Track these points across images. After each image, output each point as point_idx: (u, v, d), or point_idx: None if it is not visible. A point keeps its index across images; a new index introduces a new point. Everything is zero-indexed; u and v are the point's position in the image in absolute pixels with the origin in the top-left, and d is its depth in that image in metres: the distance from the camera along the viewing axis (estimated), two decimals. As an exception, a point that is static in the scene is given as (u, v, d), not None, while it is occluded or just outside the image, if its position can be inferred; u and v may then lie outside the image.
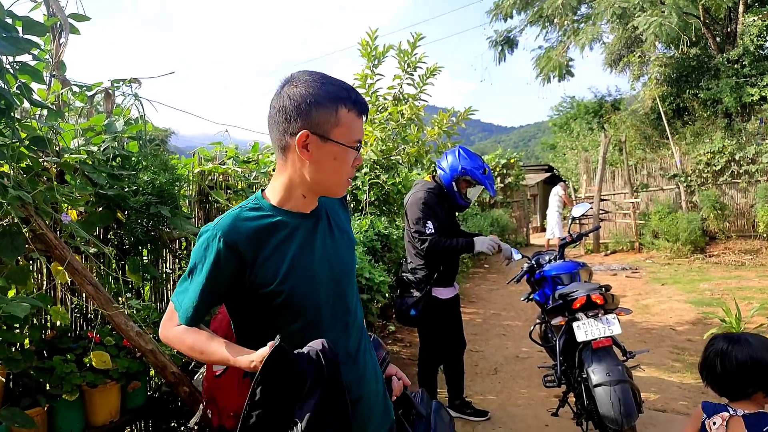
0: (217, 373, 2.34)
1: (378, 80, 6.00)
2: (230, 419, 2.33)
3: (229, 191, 3.97)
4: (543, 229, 19.84)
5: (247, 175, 4.12)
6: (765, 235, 12.02)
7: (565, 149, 24.78)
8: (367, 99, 6.07)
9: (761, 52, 16.97)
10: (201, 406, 3.05)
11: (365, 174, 5.01)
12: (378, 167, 5.24)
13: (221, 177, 3.92)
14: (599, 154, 13.80)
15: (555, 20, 19.73)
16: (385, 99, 5.99)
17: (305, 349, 1.22)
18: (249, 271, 1.31)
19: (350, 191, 5.23)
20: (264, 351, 1.19)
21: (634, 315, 7.14)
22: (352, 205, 5.45)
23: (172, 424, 3.20)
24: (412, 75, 5.97)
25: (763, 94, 15.72)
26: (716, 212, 12.64)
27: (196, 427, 3.10)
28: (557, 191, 13.88)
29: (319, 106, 1.30)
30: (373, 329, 4.70)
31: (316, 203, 1.45)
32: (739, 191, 12.94)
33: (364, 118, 1.40)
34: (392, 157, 5.56)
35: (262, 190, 1.48)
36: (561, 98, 31.11)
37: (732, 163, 12.97)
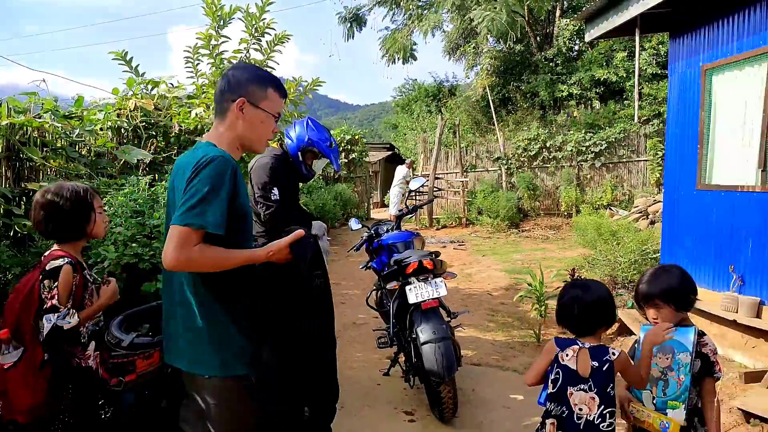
0: (5, 367, 2.14)
1: (223, 42, 5.69)
2: (21, 414, 2.18)
3: (46, 149, 3.52)
4: (383, 205, 20.75)
5: (68, 132, 3.69)
6: (566, 214, 14.03)
7: (406, 129, 25.99)
8: (210, 62, 5.75)
9: (571, 53, 19.49)
10: None
11: (206, 139, 4.77)
12: (220, 133, 5.03)
13: (36, 132, 3.45)
14: (436, 135, 14.76)
15: (401, 3, 20.44)
16: (230, 62, 5.72)
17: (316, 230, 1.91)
18: (236, 193, 1.76)
19: (189, 157, 4.95)
20: (287, 239, 1.83)
21: (458, 282, 7.90)
22: (190, 172, 5.16)
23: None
24: (260, 40, 5.76)
25: (571, 91, 18.12)
26: (530, 192, 14.41)
27: None
28: (402, 170, 14.55)
29: (254, 84, 1.85)
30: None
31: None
32: (548, 174, 14.86)
33: (286, 101, 1.93)
34: (236, 124, 5.37)
35: (211, 143, 1.83)
36: (404, 80, 32.48)
37: (544, 150, 14.83)
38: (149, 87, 5.16)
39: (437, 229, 14.83)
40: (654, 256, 6.05)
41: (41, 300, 2.12)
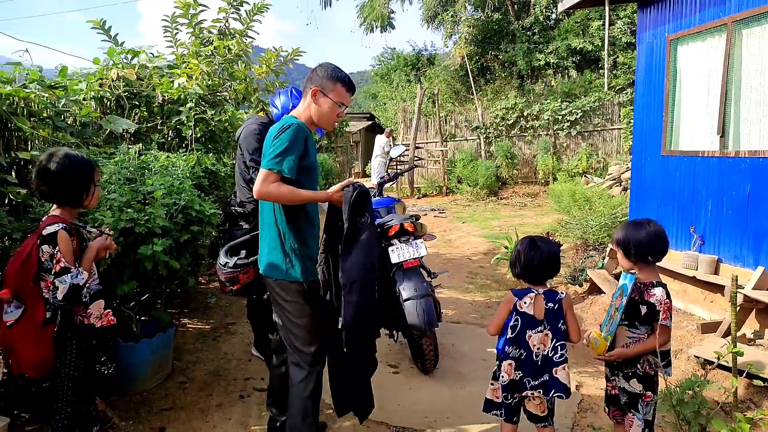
0: (8, 324, 2.29)
1: (202, 11, 5.71)
2: (30, 369, 2.34)
3: (33, 118, 3.57)
4: (365, 175, 20.83)
5: (54, 102, 3.74)
6: (543, 181, 14.36)
7: (386, 99, 25.93)
8: (189, 31, 5.76)
9: (548, 22, 19.56)
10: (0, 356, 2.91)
11: (190, 109, 4.83)
12: (204, 103, 5.09)
13: (23, 102, 3.50)
14: (415, 105, 14.84)
15: (379, -31, 20.17)
16: (210, 32, 5.74)
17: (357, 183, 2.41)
18: (305, 152, 2.39)
19: (174, 126, 5.01)
20: (338, 186, 2.38)
21: (439, 248, 8.16)
22: (175, 142, 5.23)
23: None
24: (239, 10, 5.79)
25: (548, 60, 18.26)
26: (508, 161, 14.66)
27: (2, 379, 2.95)
28: (382, 139, 14.63)
29: (327, 79, 2.45)
30: (203, 260, 4.72)
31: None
32: (525, 143, 15.12)
33: (351, 95, 2.54)
34: (219, 94, 5.42)
35: (292, 117, 2.47)
36: (383, 49, 32.17)
37: (521, 119, 15.04)
38: (129, 57, 5.17)
39: (418, 198, 15.05)
40: (623, 219, 6.36)
41: (40, 263, 2.26)
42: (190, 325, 4.65)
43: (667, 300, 2.25)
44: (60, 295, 2.22)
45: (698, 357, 3.72)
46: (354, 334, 2.35)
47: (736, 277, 2.46)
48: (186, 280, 3.63)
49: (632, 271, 2.41)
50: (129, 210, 2.97)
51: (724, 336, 3.86)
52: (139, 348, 3.28)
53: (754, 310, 3.91)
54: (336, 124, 2.62)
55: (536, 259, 2.32)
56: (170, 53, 5.84)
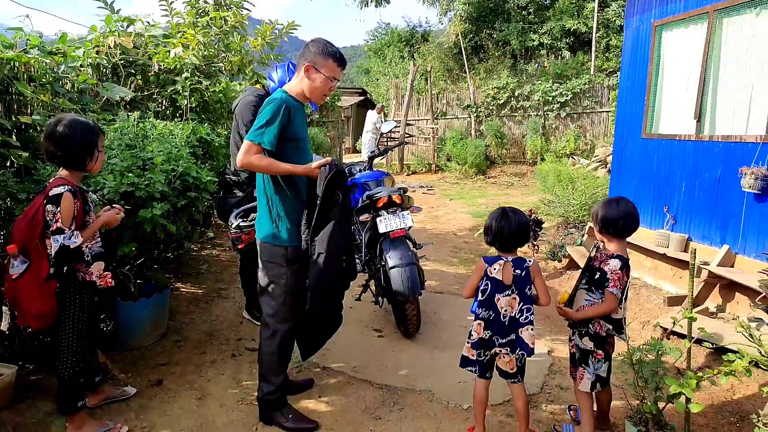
0: (14, 277, 2.44)
1: (197, -20, 5.76)
2: (33, 320, 2.49)
3: (33, 84, 3.67)
4: (355, 150, 20.90)
5: (53, 69, 3.83)
6: (531, 162, 14.55)
7: (379, 75, 25.85)
8: (186, 1, 5.81)
9: (543, 2, 19.51)
10: (6, 309, 3.06)
11: (186, 79, 4.92)
12: (199, 73, 5.18)
13: (23, 68, 3.59)
14: (408, 81, 14.88)
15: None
16: (206, 2, 5.79)
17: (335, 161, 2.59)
18: (288, 124, 2.54)
19: (169, 96, 5.11)
20: (317, 162, 2.54)
21: (426, 223, 8.36)
22: (170, 111, 5.34)
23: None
24: (235, -20, 5.84)
25: (542, 40, 18.30)
26: (497, 140, 14.82)
27: (8, 331, 3.10)
28: (373, 115, 14.68)
29: (319, 55, 2.57)
30: (198, 226, 4.88)
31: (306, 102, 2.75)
32: (515, 123, 15.26)
33: (342, 70, 2.66)
34: (214, 65, 5.51)
35: (283, 90, 2.65)
36: (377, 24, 31.90)
37: (512, 99, 15.14)
38: (125, 25, 5.22)
39: (408, 175, 15.20)
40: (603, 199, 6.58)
41: (45, 221, 2.41)
42: (183, 289, 4.83)
43: (620, 272, 2.48)
44: (52, 252, 2.37)
45: (663, 327, 3.98)
46: (317, 297, 2.67)
47: (695, 250, 2.67)
48: (182, 243, 3.79)
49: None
50: (130, 174, 3.12)
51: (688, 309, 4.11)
52: (137, 306, 3.46)
53: (717, 286, 4.16)
54: (326, 97, 2.76)
55: (506, 229, 2.51)
56: (165, 22, 5.89)
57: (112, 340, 3.50)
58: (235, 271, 5.22)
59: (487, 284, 2.52)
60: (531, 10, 19.20)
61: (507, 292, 2.49)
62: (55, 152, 2.45)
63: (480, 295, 2.53)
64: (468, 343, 2.61)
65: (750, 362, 2.29)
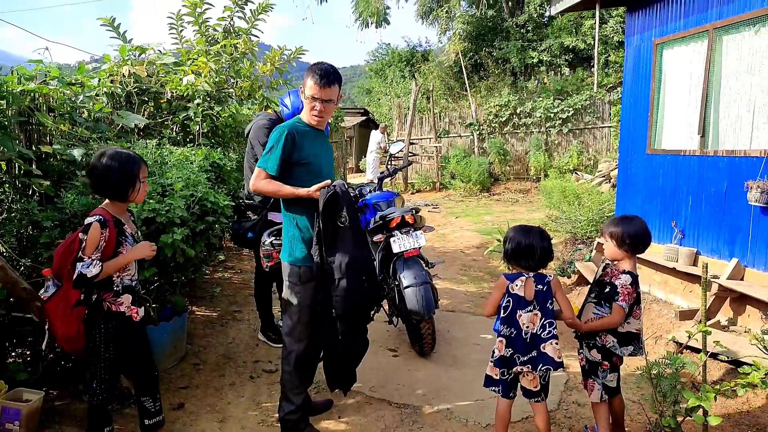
0: (44, 299, 2.52)
1: (207, 9, 5.90)
2: (62, 342, 2.55)
3: (52, 113, 3.77)
4: (359, 170, 21.03)
5: (72, 99, 3.94)
6: (535, 178, 14.63)
7: (380, 94, 26.10)
8: (195, 28, 5.96)
9: (542, 20, 19.81)
10: (46, 327, 3.11)
11: (198, 105, 5.04)
12: (210, 99, 5.29)
13: (42, 98, 3.69)
14: (410, 101, 15.05)
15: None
16: (215, 30, 5.93)
17: (337, 184, 2.66)
18: (294, 149, 2.68)
19: (181, 122, 5.22)
20: (316, 186, 2.62)
21: (433, 242, 8.42)
22: (181, 136, 5.44)
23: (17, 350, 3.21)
24: (243, 8, 5.99)
25: (542, 57, 18.53)
26: (500, 157, 14.93)
27: (46, 350, 3.15)
28: (377, 135, 14.83)
29: (306, 76, 2.69)
30: (215, 249, 4.94)
31: (322, 125, 2.84)
32: (518, 140, 15.38)
33: (322, 88, 2.65)
34: (224, 90, 5.63)
35: (298, 117, 2.82)
36: (378, 44, 32.33)
37: (514, 116, 15.28)
38: (137, 53, 5.35)
39: (412, 194, 15.29)
40: (609, 214, 6.64)
41: (78, 248, 2.47)
42: (198, 312, 4.88)
43: (630, 287, 2.55)
44: (73, 279, 2.43)
45: (677, 342, 4.00)
46: (345, 322, 2.72)
47: (707, 264, 2.73)
48: (199, 267, 3.86)
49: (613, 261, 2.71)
50: (151, 201, 3.19)
51: (701, 322, 4.14)
52: (157, 330, 3.51)
53: (728, 299, 4.20)
54: (320, 119, 2.76)
55: (540, 249, 2.57)
56: (175, 49, 6.03)
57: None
58: (248, 293, 5.28)
59: (509, 301, 2.56)
60: (529, 28, 19.49)
61: (529, 308, 2.54)
62: (98, 183, 2.52)
63: (502, 312, 2.58)
64: (491, 361, 2.64)
65: (766, 374, 2.33)
